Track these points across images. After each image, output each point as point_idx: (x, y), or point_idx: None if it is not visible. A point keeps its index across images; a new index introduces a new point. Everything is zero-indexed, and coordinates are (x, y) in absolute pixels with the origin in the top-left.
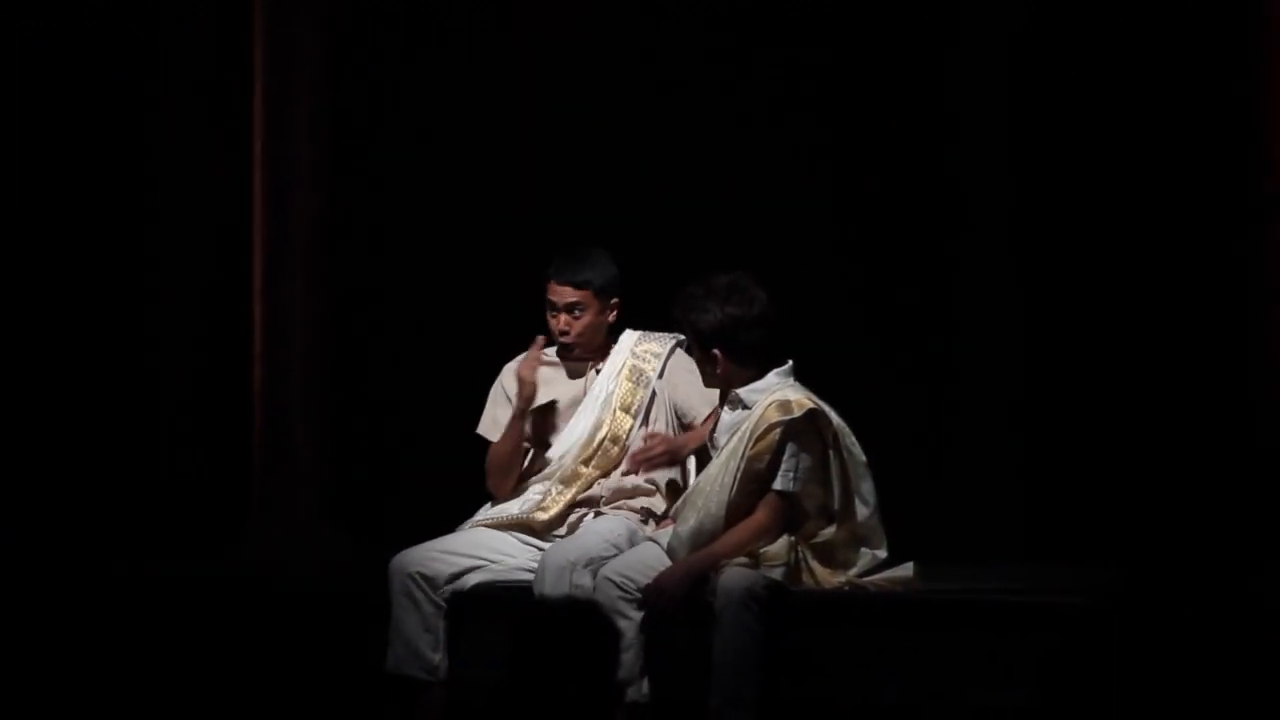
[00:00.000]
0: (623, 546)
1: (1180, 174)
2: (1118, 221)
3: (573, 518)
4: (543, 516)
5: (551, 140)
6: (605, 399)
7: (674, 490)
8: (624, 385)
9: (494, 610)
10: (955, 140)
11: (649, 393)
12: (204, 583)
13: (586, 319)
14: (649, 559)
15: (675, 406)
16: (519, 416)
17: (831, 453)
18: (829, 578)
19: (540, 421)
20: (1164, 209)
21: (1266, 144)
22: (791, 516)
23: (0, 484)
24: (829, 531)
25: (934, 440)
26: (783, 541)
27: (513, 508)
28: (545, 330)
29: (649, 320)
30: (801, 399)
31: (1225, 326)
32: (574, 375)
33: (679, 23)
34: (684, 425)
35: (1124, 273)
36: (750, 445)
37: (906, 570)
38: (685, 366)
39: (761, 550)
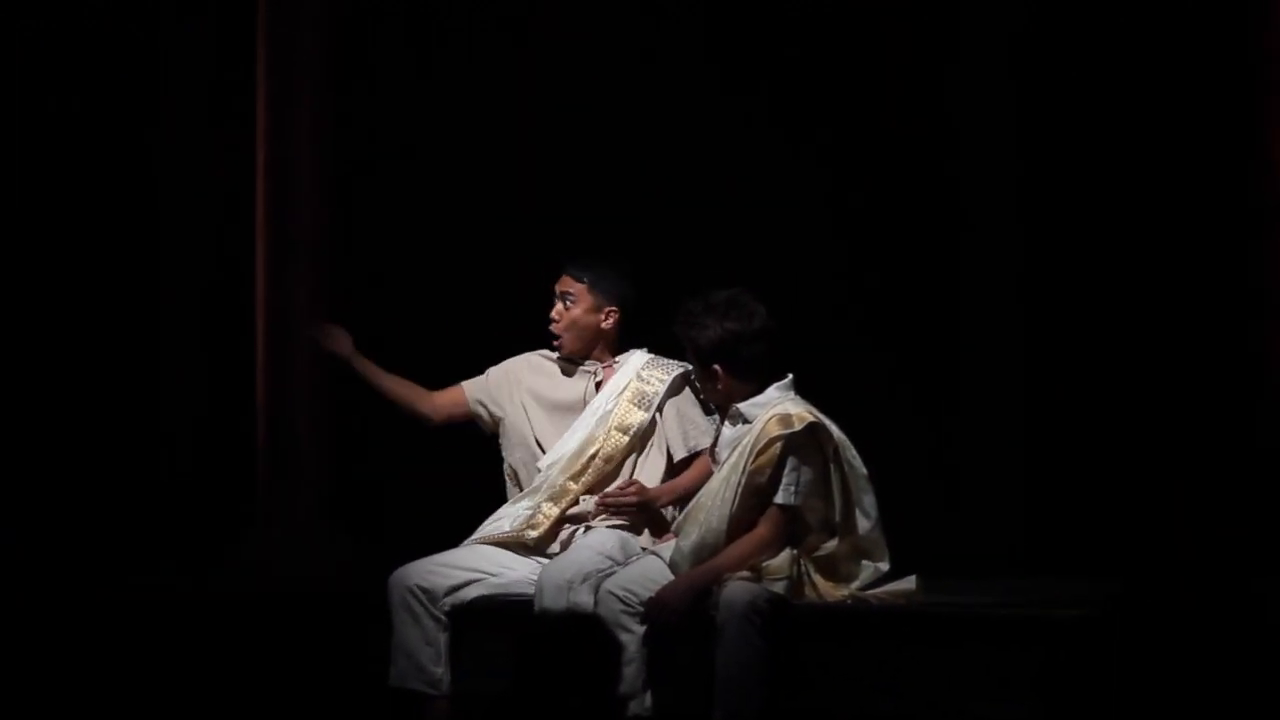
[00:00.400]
0: (616, 558)
1: (1181, 177)
2: (1118, 226)
3: (564, 535)
4: (533, 534)
5: (552, 142)
6: (602, 416)
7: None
8: (623, 405)
9: (495, 624)
10: (956, 144)
11: (649, 417)
12: (205, 587)
13: (575, 313)
14: (651, 573)
15: (667, 437)
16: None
17: (832, 466)
18: (831, 591)
19: (532, 422)
20: (1164, 212)
21: (1267, 149)
22: (793, 530)
23: (2, 486)
24: (831, 545)
25: (935, 453)
26: (785, 555)
27: (504, 524)
28: (546, 330)
29: (651, 332)
30: (802, 413)
31: (1226, 331)
32: (571, 381)
33: (678, 23)
34: (670, 458)
35: (1124, 278)
36: (751, 460)
37: (909, 583)
38: (681, 401)
39: (764, 564)
